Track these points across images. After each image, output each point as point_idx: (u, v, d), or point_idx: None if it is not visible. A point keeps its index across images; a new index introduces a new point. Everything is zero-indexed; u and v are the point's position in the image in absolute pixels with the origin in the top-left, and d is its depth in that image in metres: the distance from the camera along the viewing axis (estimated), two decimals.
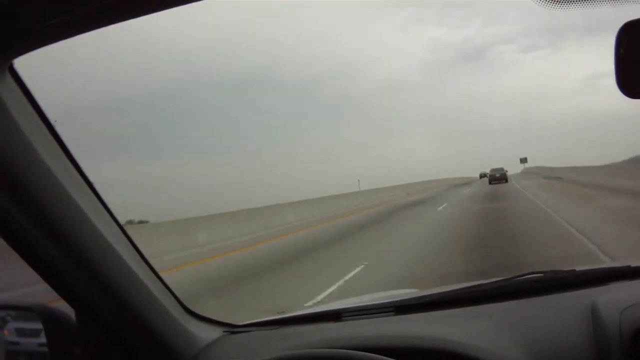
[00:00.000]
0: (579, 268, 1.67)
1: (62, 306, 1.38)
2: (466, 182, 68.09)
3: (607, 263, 1.69)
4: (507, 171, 54.04)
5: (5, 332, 1.39)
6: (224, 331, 1.66)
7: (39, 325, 1.38)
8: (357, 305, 1.75)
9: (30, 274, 1.22)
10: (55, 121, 1.09)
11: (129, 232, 1.32)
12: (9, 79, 1.01)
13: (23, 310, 1.45)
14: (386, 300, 1.72)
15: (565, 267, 1.67)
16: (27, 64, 1.02)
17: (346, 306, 1.75)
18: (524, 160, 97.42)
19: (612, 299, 1.32)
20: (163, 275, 1.42)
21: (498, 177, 50.65)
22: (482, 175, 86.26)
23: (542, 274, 1.62)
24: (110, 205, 1.26)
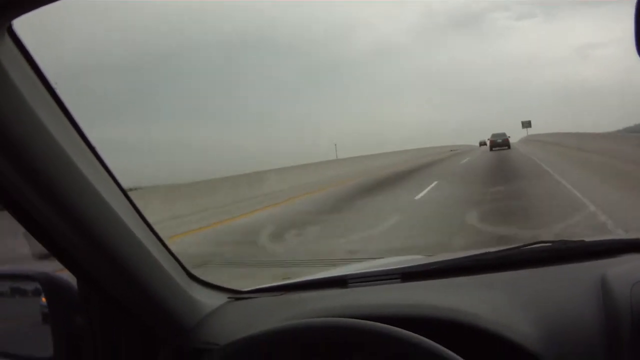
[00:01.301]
0: (587, 239, 1.65)
1: (65, 275, 1.37)
2: (455, 152, 60.23)
3: (617, 235, 1.68)
4: (509, 137, 51.78)
5: (43, 298, 1.39)
6: (228, 297, 1.65)
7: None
8: (363, 271, 1.74)
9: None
10: (56, 83, 1.06)
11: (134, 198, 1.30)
12: (8, 40, 0.97)
13: (25, 279, 1.44)
14: (392, 267, 1.71)
15: (574, 238, 1.64)
16: (26, 25, 0.98)
17: (352, 272, 1.74)
18: (526, 125, 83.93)
19: (622, 272, 1.30)
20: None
21: (500, 143, 48.77)
22: (482, 143, 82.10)
23: (550, 244, 1.60)
24: (112, 169, 1.23)
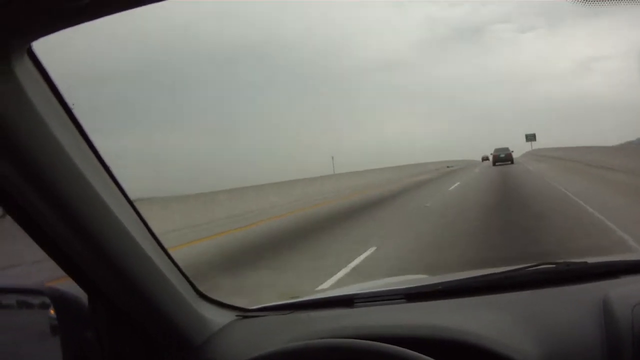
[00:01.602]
0: (590, 260, 1.66)
1: (75, 289, 1.38)
2: (452, 169, 54.82)
3: (620, 255, 1.68)
4: (512, 151, 51.02)
5: (51, 310, 1.40)
6: (236, 315, 1.66)
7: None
8: (369, 291, 1.76)
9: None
10: (73, 104, 1.08)
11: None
12: (28, 61, 1.00)
13: (35, 294, 1.45)
14: (397, 287, 1.73)
15: (577, 259, 1.66)
16: (45, 46, 1.00)
17: (358, 291, 1.76)
18: (530, 138, 77.32)
19: (624, 293, 1.31)
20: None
21: (503, 158, 47.98)
22: (485, 158, 79.91)
23: (553, 265, 1.62)
24: (124, 187, 1.25)
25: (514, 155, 51.62)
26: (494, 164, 47.83)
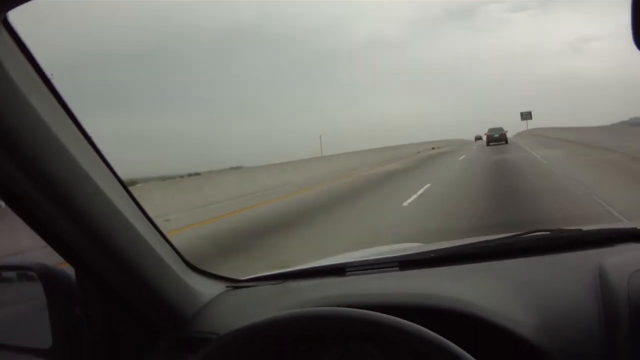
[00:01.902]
0: (585, 227, 1.66)
1: (64, 267, 1.38)
2: (439, 151, 49.60)
3: (615, 224, 1.67)
4: (506, 131, 51.01)
5: (42, 289, 1.39)
6: (227, 286, 1.66)
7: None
8: (361, 259, 1.75)
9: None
10: (52, 74, 1.06)
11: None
12: (4, 32, 0.97)
13: (22, 270, 1.45)
14: (390, 255, 1.72)
15: (572, 227, 1.66)
16: (22, 16, 0.99)
17: (350, 260, 1.75)
18: (526, 116, 74.12)
19: (620, 261, 1.31)
20: None
21: (497, 138, 48.24)
22: (478, 138, 78.85)
23: (548, 232, 1.62)
24: (109, 159, 1.24)
25: (508, 135, 51.47)
26: (488, 144, 47.80)
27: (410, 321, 1.05)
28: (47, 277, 1.37)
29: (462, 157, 31.22)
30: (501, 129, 50.59)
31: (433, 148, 59.96)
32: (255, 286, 1.67)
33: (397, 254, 1.71)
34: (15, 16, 0.97)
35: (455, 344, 1.02)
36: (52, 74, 1.06)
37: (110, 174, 1.24)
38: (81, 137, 1.16)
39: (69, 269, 1.36)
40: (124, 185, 1.29)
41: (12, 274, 1.50)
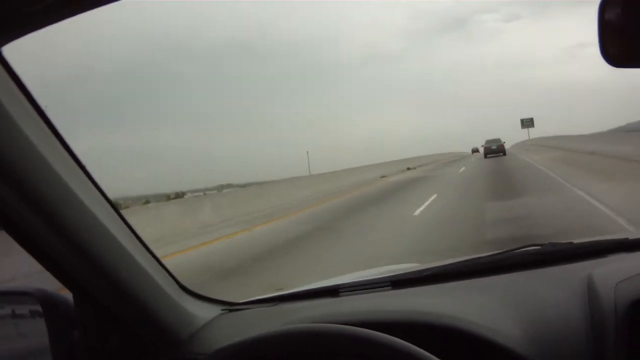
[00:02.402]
0: (576, 240, 1.67)
1: (63, 292, 1.39)
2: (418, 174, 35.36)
3: (606, 236, 1.68)
4: (504, 142, 49.52)
5: (39, 312, 1.40)
6: (222, 309, 1.67)
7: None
8: (354, 280, 1.76)
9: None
10: (46, 106, 1.09)
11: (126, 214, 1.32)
12: None
13: (22, 295, 1.46)
14: (383, 275, 1.73)
15: (563, 240, 1.67)
16: (15, 49, 1.01)
17: (344, 281, 1.77)
18: (527, 124, 65.36)
19: (608, 271, 1.32)
20: None
21: (495, 150, 46.84)
22: (474, 150, 74.62)
23: (539, 247, 1.63)
24: (102, 186, 1.27)
25: (506, 146, 49.74)
26: (485, 156, 46.45)
27: (400, 338, 1.06)
28: (46, 301, 1.39)
29: (431, 198, 15.98)
30: (499, 140, 49.62)
31: (408, 168, 47.84)
32: (249, 309, 1.69)
33: (390, 274, 1.72)
34: (9, 50, 1.00)
35: (444, 358, 1.02)
36: (46, 106, 1.09)
37: (104, 199, 1.27)
38: (75, 165, 1.19)
39: (67, 294, 1.38)
40: (117, 210, 1.31)
41: (11, 299, 1.52)
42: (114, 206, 1.30)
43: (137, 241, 1.36)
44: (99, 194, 1.26)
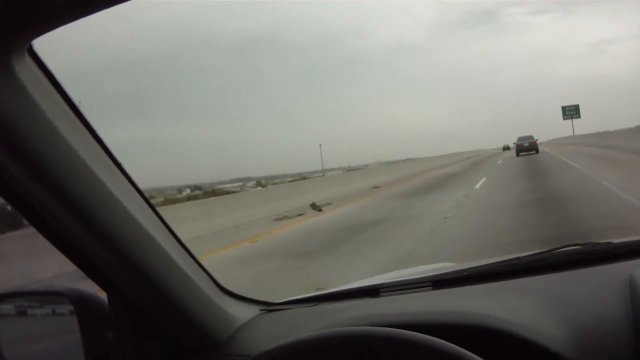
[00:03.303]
0: (616, 240, 1.64)
1: (95, 291, 1.38)
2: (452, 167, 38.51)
3: None
4: (537, 140, 47.12)
5: (73, 312, 1.40)
6: (260, 309, 1.66)
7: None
8: (395, 280, 1.75)
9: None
10: (80, 102, 1.07)
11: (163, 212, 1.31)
12: (29, 60, 0.99)
13: (55, 295, 1.46)
14: (424, 275, 1.72)
15: (603, 239, 1.65)
16: (44, 43, 0.99)
17: (384, 281, 1.75)
18: (571, 113, 52.66)
19: None
20: None
21: (527, 147, 45.03)
22: (506, 148, 76.00)
23: (579, 246, 1.61)
24: (139, 184, 1.24)
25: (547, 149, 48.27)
26: (518, 154, 44.69)
27: (442, 339, 1.04)
28: (79, 301, 1.38)
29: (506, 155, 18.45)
30: (531, 137, 47.78)
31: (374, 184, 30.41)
32: (288, 309, 1.67)
33: (430, 274, 1.71)
34: (39, 43, 0.98)
35: (487, 359, 1.01)
36: (79, 102, 1.07)
37: (140, 197, 1.25)
38: (111, 163, 1.17)
39: (101, 293, 1.37)
40: (155, 208, 1.29)
41: (45, 299, 1.52)
42: (151, 204, 1.28)
43: (175, 241, 1.35)
44: (135, 192, 1.23)
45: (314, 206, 18.51)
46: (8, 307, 1.56)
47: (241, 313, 1.56)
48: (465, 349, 1.02)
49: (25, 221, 1.16)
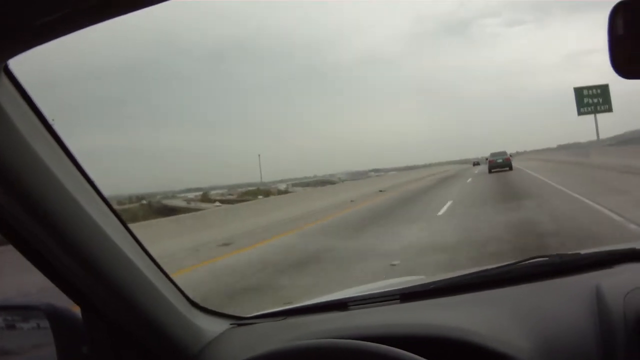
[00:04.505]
0: (583, 251, 1.67)
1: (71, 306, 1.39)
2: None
3: (613, 245, 1.67)
4: (510, 156, 45.20)
5: (47, 326, 1.39)
6: (230, 324, 1.67)
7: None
8: (363, 293, 1.76)
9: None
10: (53, 120, 1.09)
11: (134, 229, 1.33)
12: (4, 79, 1.00)
13: (30, 310, 1.46)
14: (392, 288, 1.73)
15: (570, 251, 1.67)
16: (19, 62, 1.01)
17: (353, 295, 1.77)
18: (599, 102, 44.64)
19: (616, 282, 1.32)
20: None
21: (500, 164, 42.90)
22: (476, 163, 71.82)
23: (546, 258, 1.63)
24: (111, 201, 1.27)
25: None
26: (490, 170, 42.52)
27: (410, 352, 1.06)
28: (54, 316, 1.38)
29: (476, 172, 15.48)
30: (504, 152, 45.85)
31: (381, 191, 33.39)
32: (258, 323, 1.68)
33: (399, 287, 1.72)
34: (15, 62, 1.00)
35: None
36: (53, 120, 1.09)
37: (112, 214, 1.27)
38: (84, 181, 1.19)
39: (77, 310, 1.38)
40: (126, 225, 1.31)
41: (20, 314, 1.51)
42: (123, 220, 1.30)
43: (145, 256, 1.36)
44: (107, 209, 1.25)
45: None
46: None
47: (212, 327, 1.57)
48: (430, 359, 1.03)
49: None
